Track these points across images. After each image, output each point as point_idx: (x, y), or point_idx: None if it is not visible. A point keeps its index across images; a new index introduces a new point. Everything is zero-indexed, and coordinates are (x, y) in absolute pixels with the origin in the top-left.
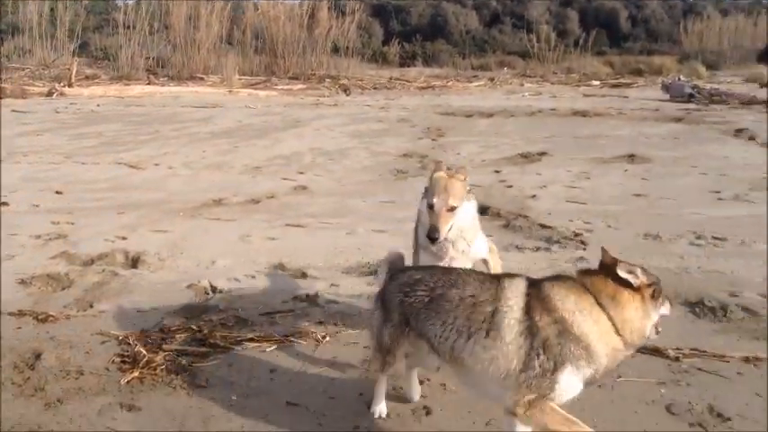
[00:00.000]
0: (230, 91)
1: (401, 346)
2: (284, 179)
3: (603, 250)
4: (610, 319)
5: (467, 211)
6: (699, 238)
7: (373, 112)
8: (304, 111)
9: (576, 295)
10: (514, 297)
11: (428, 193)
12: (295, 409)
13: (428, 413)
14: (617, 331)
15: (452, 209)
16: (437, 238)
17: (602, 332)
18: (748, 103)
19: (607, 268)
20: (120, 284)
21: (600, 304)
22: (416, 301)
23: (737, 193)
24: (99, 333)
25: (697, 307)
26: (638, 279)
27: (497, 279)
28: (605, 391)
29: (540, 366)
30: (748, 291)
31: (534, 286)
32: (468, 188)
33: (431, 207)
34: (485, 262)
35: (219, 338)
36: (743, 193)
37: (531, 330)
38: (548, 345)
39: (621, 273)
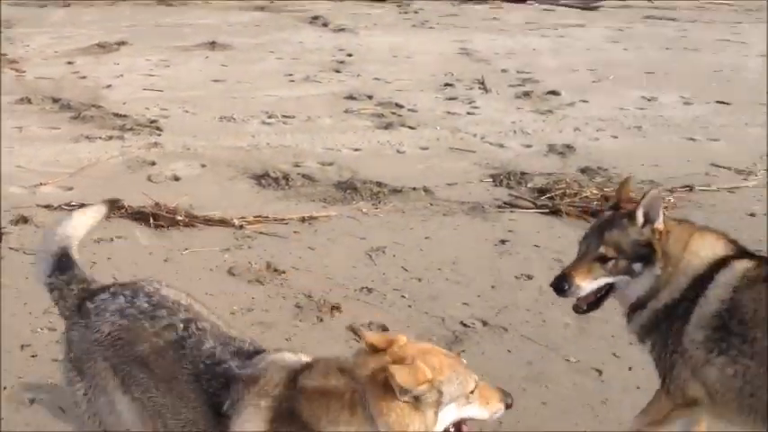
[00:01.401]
0: None
1: None
2: None
3: None
4: None
5: None
6: (270, 117)
7: None
8: None
9: None
10: None
11: None
12: None
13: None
14: None
15: None
16: None
17: None
18: None
19: None
20: None
21: None
22: None
23: (308, 75)
24: None
25: (263, 179)
26: None
27: None
28: (171, 264)
29: None
30: (310, 161)
31: None
32: None
33: None
34: None
35: None
36: (312, 75)
37: None
38: None
39: None
